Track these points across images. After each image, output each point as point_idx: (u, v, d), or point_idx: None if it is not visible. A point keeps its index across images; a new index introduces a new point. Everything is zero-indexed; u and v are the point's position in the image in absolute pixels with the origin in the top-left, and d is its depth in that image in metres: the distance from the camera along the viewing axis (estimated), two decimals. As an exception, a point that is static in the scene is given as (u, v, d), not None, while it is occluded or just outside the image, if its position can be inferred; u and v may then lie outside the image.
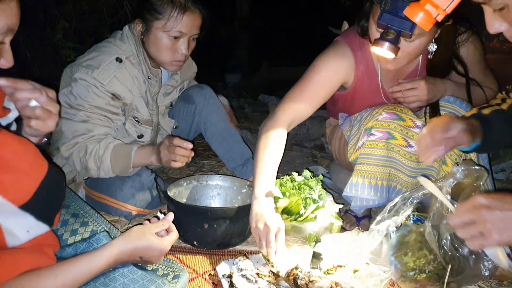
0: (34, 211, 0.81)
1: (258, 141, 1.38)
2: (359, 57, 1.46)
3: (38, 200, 0.81)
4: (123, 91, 1.43)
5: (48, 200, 0.85)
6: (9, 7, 0.78)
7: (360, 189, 1.34)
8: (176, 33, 1.41)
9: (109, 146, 1.39)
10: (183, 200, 1.46)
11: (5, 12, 0.77)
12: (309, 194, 1.40)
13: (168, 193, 1.35)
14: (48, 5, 2.64)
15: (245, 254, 1.21)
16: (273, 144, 1.35)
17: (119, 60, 1.42)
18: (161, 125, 1.65)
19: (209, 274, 1.19)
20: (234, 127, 1.80)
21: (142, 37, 1.45)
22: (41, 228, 0.84)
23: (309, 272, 1.14)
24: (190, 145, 1.36)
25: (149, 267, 1.11)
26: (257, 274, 1.13)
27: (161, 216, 1.08)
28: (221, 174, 1.60)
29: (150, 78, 1.50)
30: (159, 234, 1.01)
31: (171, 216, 1.07)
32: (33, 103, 0.84)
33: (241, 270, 1.13)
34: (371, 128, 1.34)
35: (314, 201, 1.39)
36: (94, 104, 1.39)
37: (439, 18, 1.12)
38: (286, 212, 1.38)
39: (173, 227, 1.05)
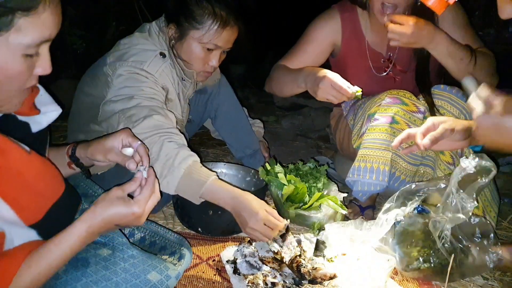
0: (40, 229, 0.81)
1: (275, 80, 1.59)
2: (346, 18, 1.56)
3: (48, 221, 0.81)
4: (169, 85, 1.37)
5: (57, 221, 0.85)
6: (40, 19, 0.72)
7: (362, 173, 1.35)
8: (211, 46, 1.35)
9: (188, 159, 1.15)
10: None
11: (36, 25, 0.72)
12: (313, 183, 1.40)
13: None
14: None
15: (249, 241, 1.21)
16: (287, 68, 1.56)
17: (163, 55, 1.35)
18: None
19: (213, 260, 1.20)
20: (246, 118, 1.79)
21: (173, 41, 1.38)
22: (39, 239, 0.84)
23: (312, 259, 1.15)
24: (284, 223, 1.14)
25: (158, 244, 1.11)
26: (261, 260, 1.14)
27: (140, 172, 0.93)
28: (226, 162, 1.60)
29: (184, 80, 1.44)
30: (134, 193, 0.90)
31: (140, 173, 0.92)
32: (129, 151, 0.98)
33: (245, 256, 1.14)
34: (374, 114, 1.35)
35: (318, 189, 1.40)
36: (148, 92, 1.27)
37: (451, 1, 1.13)
38: (291, 200, 1.39)
39: (150, 179, 0.91)
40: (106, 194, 0.87)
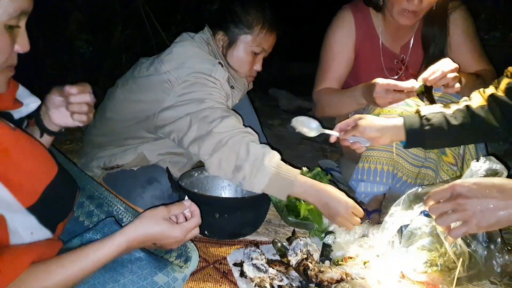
0: (39, 214, 0.81)
1: (328, 105, 1.60)
2: (360, 18, 1.58)
3: (44, 203, 0.81)
4: (229, 92, 1.41)
5: (54, 205, 0.85)
6: None
7: (366, 175, 1.35)
8: (259, 49, 1.43)
9: (275, 159, 1.22)
10: (194, 191, 1.47)
11: None
12: None
13: (180, 183, 1.36)
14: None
15: (256, 244, 1.22)
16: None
17: (221, 64, 1.39)
18: None
19: (220, 263, 1.20)
20: (258, 122, 1.81)
21: (223, 49, 1.44)
22: (43, 233, 0.84)
23: (319, 263, 1.15)
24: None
25: None
26: (268, 263, 1.14)
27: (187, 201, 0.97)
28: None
29: (233, 88, 1.47)
30: (177, 218, 0.95)
31: (188, 202, 0.97)
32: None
33: (252, 259, 1.14)
34: (377, 115, 1.35)
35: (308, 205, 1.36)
36: (217, 96, 1.32)
37: None
38: (289, 209, 1.37)
39: (196, 211, 0.96)
40: (153, 211, 0.91)
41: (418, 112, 1.24)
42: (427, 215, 1.23)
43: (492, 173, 1.07)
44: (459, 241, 1.10)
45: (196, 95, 1.28)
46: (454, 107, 1.22)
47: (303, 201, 1.34)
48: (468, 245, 1.11)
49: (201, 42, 1.42)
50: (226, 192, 1.55)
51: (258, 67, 1.48)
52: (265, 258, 1.16)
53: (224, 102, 1.34)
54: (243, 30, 1.40)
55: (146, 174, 1.41)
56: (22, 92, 0.94)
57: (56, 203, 0.85)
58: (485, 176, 1.07)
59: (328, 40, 1.61)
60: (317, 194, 1.20)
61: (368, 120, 1.24)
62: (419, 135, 1.21)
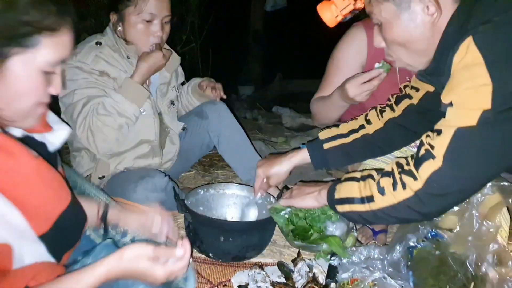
0: (49, 242, 0.81)
1: (318, 113, 1.64)
2: (372, 35, 1.54)
3: (56, 231, 0.81)
4: (108, 67, 1.49)
5: (65, 233, 0.85)
6: (62, 40, 0.79)
7: None
8: (147, 16, 1.48)
9: (115, 96, 1.43)
10: (200, 209, 1.46)
11: (58, 44, 0.79)
12: (318, 218, 1.35)
13: (185, 201, 1.36)
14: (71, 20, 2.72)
15: (260, 266, 1.20)
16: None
17: (98, 43, 1.50)
18: (167, 124, 1.68)
19: (224, 285, 1.19)
20: (248, 141, 1.80)
21: (118, 27, 1.53)
22: (49, 260, 0.83)
23: (325, 285, 1.13)
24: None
25: None
26: (272, 285, 1.12)
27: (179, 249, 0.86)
28: (238, 184, 1.60)
29: (129, 58, 1.54)
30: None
31: (181, 251, 0.86)
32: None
33: (256, 281, 1.13)
34: None
35: (319, 229, 1.34)
36: (85, 83, 1.45)
37: (339, 19, 1.29)
38: (294, 235, 1.36)
39: (186, 256, 0.86)
40: (138, 247, 0.84)
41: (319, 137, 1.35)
42: (434, 236, 1.21)
43: (501, 190, 1.07)
44: (473, 265, 1.08)
45: (69, 85, 1.43)
46: (352, 132, 1.32)
47: (313, 226, 1.33)
48: (479, 269, 1.09)
49: (107, 29, 1.55)
50: (231, 209, 1.55)
51: (157, 32, 1.51)
52: (270, 280, 1.14)
53: (94, 84, 1.45)
54: (125, 4, 1.47)
55: (140, 173, 1.48)
56: (51, 117, 0.96)
57: (66, 231, 0.85)
58: (493, 194, 1.06)
59: (336, 55, 1.62)
60: (145, 63, 1.46)
61: (273, 166, 1.35)
62: (321, 156, 1.33)
